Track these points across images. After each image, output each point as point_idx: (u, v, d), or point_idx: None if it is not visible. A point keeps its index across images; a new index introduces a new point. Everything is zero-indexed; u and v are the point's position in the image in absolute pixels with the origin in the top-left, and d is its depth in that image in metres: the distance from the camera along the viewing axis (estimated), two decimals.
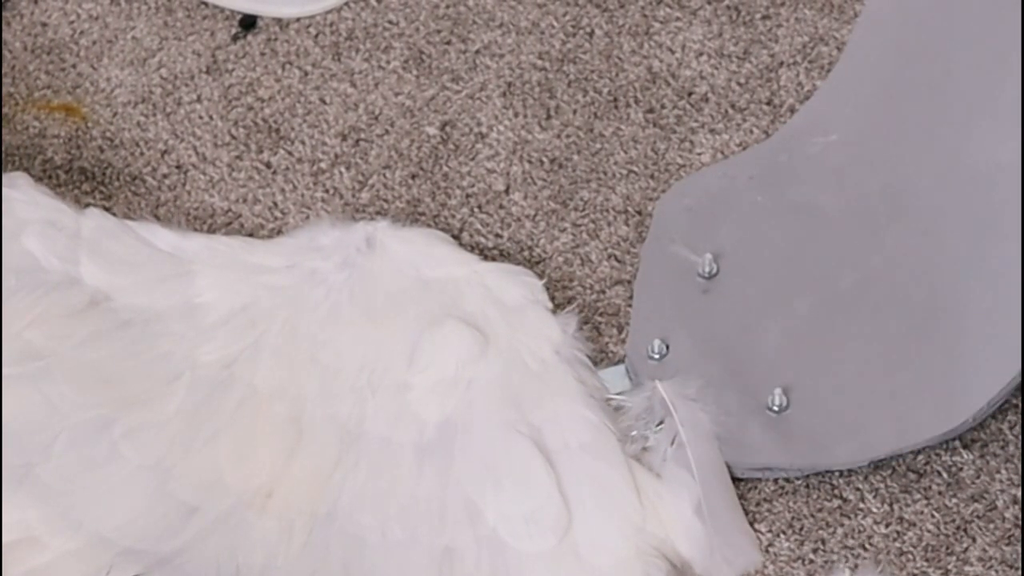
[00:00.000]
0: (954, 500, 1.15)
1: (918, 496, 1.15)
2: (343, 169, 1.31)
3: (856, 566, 1.11)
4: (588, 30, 1.37)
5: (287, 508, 1.12)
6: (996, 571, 1.12)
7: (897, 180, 1.25)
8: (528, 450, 1.13)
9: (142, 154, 1.32)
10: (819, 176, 1.27)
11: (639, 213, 1.28)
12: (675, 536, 1.10)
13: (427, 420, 1.16)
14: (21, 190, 1.24)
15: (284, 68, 1.36)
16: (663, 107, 1.33)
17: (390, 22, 1.38)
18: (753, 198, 1.26)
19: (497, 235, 1.28)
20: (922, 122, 1.27)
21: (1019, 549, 1.12)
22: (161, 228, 1.24)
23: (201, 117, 1.34)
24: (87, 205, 1.28)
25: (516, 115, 1.33)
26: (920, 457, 1.16)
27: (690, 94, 1.33)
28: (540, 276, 1.23)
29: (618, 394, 1.17)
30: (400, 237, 1.23)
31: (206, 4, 1.39)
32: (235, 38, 1.38)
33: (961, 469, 1.16)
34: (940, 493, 1.15)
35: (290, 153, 1.32)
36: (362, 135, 1.33)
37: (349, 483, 1.13)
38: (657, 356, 1.19)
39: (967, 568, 1.12)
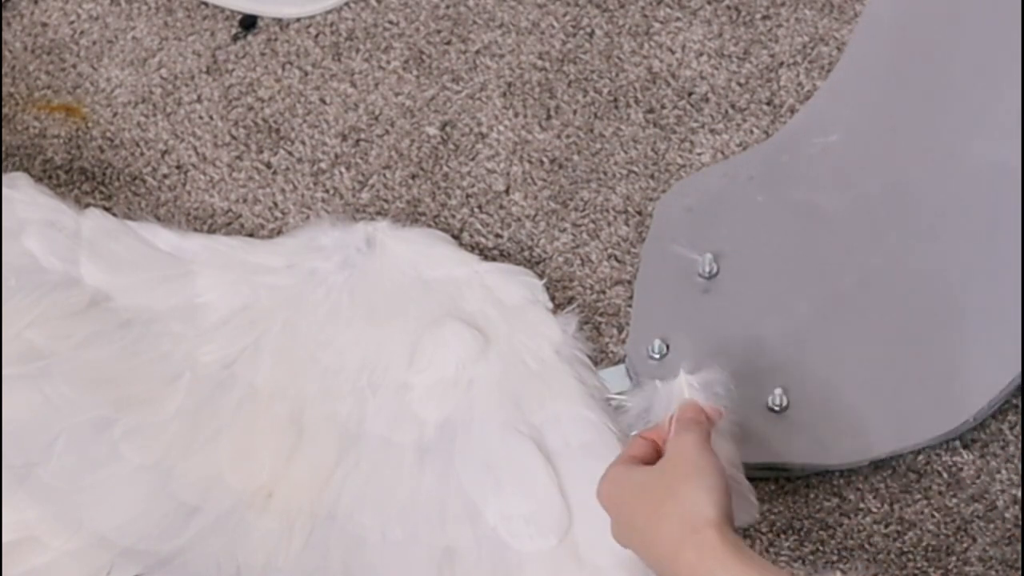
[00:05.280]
0: (954, 500, 1.15)
1: (918, 496, 1.15)
2: (343, 169, 1.31)
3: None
4: (588, 30, 1.37)
5: (287, 508, 1.12)
6: (996, 571, 1.12)
7: (897, 180, 1.25)
8: (528, 450, 1.13)
9: (142, 154, 1.32)
10: (819, 176, 1.27)
11: (639, 213, 1.28)
12: None
13: (427, 420, 1.16)
14: (21, 190, 1.24)
15: (284, 68, 1.36)
16: (663, 107, 1.33)
17: (390, 22, 1.38)
18: (753, 198, 1.26)
19: (497, 235, 1.27)
20: (922, 122, 1.28)
21: (1019, 549, 1.12)
22: (161, 228, 1.24)
23: (201, 117, 1.34)
24: (87, 205, 1.28)
25: (516, 115, 1.33)
26: (920, 457, 1.16)
27: (690, 94, 1.33)
28: (540, 276, 1.23)
29: (618, 394, 1.17)
30: (400, 237, 1.23)
31: (206, 4, 1.39)
32: (235, 38, 1.38)
33: (961, 469, 1.16)
34: (940, 493, 1.15)
35: (290, 153, 1.32)
36: (362, 135, 1.33)
37: (349, 483, 1.13)
38: (657, 356, 1.19)
39: (967, 568, 1.12)
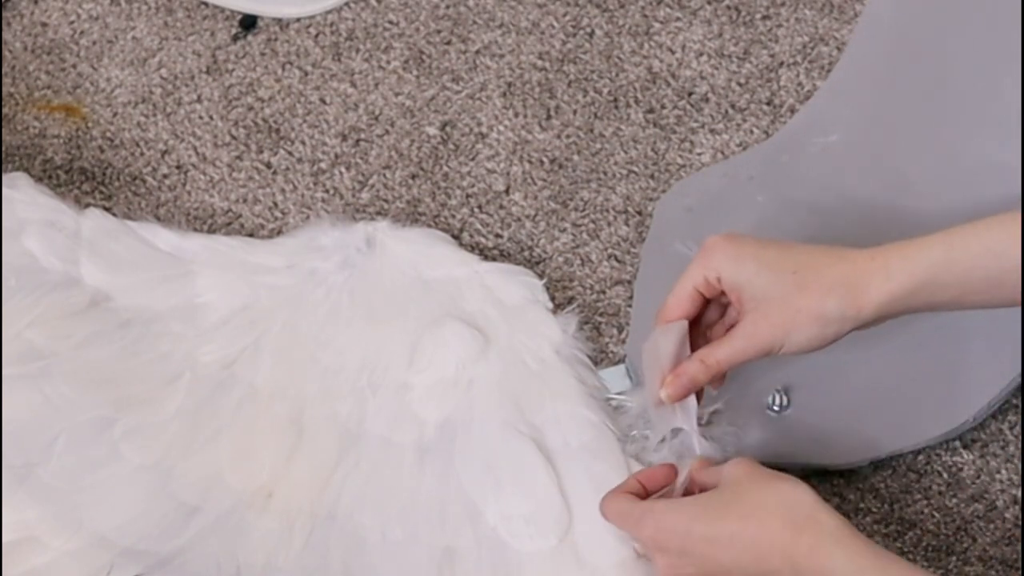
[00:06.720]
0: (954, 500, 1.15)
1: (918, 496, 1.15)
2: (343, 169, 1.31)
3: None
4: (588, 30, 1.37)
5: (287, 508, 1.11)
6: (996, 571, 1.12)
7: (897, 180, 1.25)
8: (528, 450, 1.13)
9: (142, 154, 1.32)
10: (819, 176, 1.27)
11: (639, 213, 1.28)
12: None
13: (427, 420, 1.16)
14: (21, 190, 1.24)
15: (284, 68, 1.36)
16: (663, 107, 1.33)
17: (390, 22, 1.38)
18: (753, 198, 1.26)
19: (497, 235, 1.28)
20: (922, 122, 1.27)
21: (1019, 549, 1.12)
22: (161, 228, 1.24)
23: (201, 117, 1.34)
24: (87, 205, 1.28)
25: (516, 115, 1.33)
26: (920, 457, 1.16)
27: (690, 94, 1.33)
28: (540, 276, 1.23)
29: (618, 394, 1.17)
30: (400, 237, 1.23)
31: (206, 4, 1.39)
32: (235, 38, 1.38)
33: (961, 469, 1.16)
34: (940, 493, 1.15)
35: (290, 153, 1.32)
36: (362, 135, 1.33)
37: (349, 483, 1.13)
38: None
39: (967, 568, 1.12)
